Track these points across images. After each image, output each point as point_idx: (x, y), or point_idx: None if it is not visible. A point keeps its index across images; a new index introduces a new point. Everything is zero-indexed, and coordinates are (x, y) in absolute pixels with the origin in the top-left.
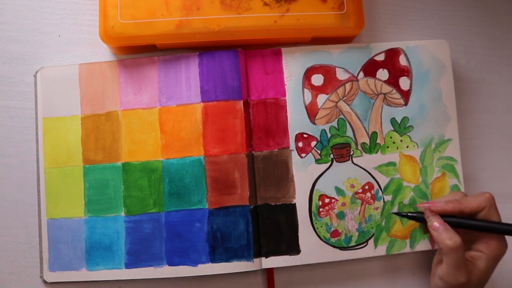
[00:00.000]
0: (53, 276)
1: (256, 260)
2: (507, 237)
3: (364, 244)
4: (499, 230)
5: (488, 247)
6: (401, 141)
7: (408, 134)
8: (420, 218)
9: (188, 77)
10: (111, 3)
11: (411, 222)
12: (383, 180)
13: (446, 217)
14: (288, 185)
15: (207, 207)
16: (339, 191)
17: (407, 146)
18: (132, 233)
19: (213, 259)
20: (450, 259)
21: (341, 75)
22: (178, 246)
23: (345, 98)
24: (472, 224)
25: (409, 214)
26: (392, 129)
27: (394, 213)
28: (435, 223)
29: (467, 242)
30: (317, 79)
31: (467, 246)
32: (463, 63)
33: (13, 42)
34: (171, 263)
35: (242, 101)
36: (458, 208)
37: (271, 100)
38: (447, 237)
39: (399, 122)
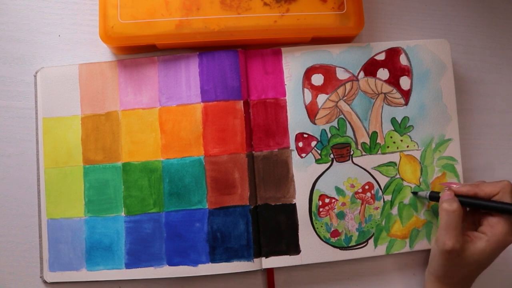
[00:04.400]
0: (53, 276)
1: (256, 260)
2: None
3: (364, 244)
4: (501, 209)
5: (492, 230)
6: (402, 141)
7: (408, 134)
8: (436, 198)
9: (188, 77)
10: (111, 3)
11: (411, 221)
12: (383, 180)
13: (460, 197)
14: (288, 185)
15: (207, 207)
16: (339, 191)
17: (408, 146)
18: (132, 233)
19: (213, 259)
20: (443, 221)
21: (341, 74)
22: (178, 246)
23: (345, 97)
24: (476, 203)
25: (429, 193)
26: (393, 128)
27: (413, 193)
28: (445, 194)
29: (475, 223)
30: (317, 79)
31: (474, 227)
32: (463, 63)
33: (13, 42)
34: (171, 263)
35: (242, 101)
36: (473, 190)
37: (271, 100)
38: (446, 201)
39: (399, 121)
